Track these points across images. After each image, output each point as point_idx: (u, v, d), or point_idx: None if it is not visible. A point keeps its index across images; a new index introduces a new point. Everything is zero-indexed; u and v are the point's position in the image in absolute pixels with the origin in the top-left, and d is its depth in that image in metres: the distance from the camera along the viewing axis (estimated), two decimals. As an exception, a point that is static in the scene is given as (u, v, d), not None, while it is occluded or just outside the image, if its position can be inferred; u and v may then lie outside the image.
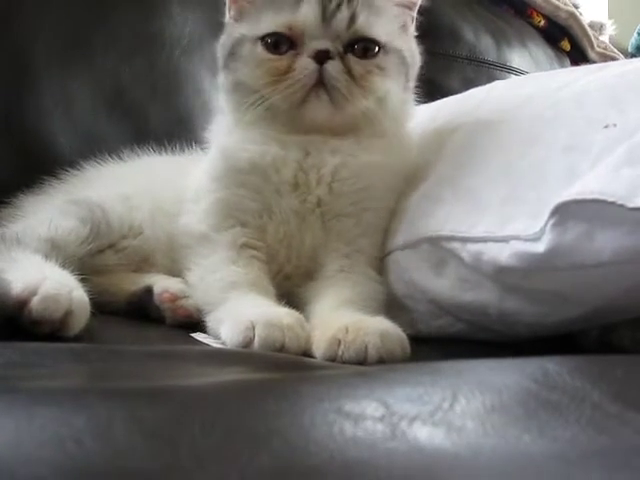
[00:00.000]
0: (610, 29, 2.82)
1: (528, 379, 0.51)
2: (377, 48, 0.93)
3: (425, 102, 1.33)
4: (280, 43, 0.91)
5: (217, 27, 1.45)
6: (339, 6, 0.90)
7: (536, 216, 0.75)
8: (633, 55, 3.07)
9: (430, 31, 1.96)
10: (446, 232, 0.85)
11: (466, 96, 1.21)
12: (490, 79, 1.97)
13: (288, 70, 0.89)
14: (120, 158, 1.14)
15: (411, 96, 1.02)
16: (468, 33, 2.06)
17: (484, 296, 0.83)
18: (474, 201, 0.85)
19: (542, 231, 0.73)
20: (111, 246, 1.01)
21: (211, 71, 1.44)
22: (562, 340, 0.83)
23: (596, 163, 0.74)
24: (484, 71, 2.06)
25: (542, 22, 2.36)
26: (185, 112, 1.37)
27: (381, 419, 0.41)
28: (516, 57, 2.18)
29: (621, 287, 0.73)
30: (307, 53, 0.89)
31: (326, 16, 0.89)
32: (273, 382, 0.51)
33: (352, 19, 0.91)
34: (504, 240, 0.78)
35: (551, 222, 0.72)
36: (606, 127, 0.77)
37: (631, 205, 0.67)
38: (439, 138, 1.03)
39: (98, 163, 1.14)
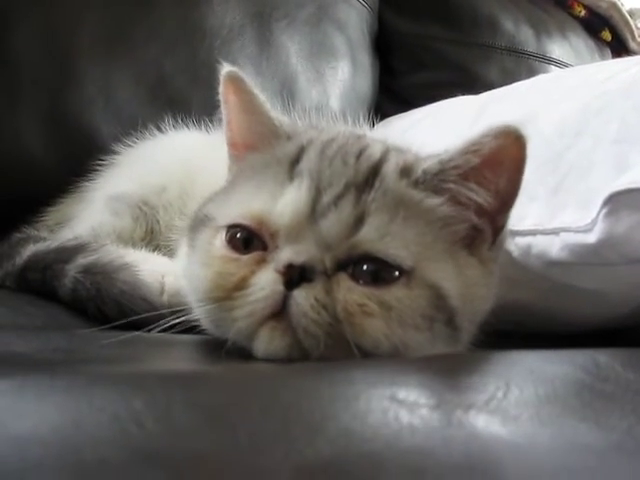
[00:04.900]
0: (652, 15, 2.77)
1: (580, 370, 0.50)
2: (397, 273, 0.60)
3: (464, 93, 1.32)
4: (249, 239, 0.63)
5: (256, 17, 1.46)
6: (336, 201, 0.60)
7: (587, 207, 0.73)
8: (675, 46, 3.01)
9: (468, 21, 1.97)
10: None
11: (510, 89, 1.18)
12: (530, 70, 1.96)
13: (242, 283, 0.60)
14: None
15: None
16: (507, 23, 2.03)
17: (529, 295, 0.81)
18: (521, 193, 0.83)
19: (594, 222, 0.71)
20: None
21: (250, 59, 1.45)
22: (614, 333, 0.81)
23: (648, 154, 0.72)
24: (524, 62, 2.02)
25: (583, 12, 2.33)
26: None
27: (436, 407, 0.41)
28: (556, 48, 2.14)
29: None
30: (275, 264, 0.60)
31: (315, 215, 0.60)
32: (326, 367, 0.51)
33: (356, 223, 0.60)
34: (554, 232, 0.76)
35: (603, 212, 0.70)
36: (657, 118, 0.76)
37: None
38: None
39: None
